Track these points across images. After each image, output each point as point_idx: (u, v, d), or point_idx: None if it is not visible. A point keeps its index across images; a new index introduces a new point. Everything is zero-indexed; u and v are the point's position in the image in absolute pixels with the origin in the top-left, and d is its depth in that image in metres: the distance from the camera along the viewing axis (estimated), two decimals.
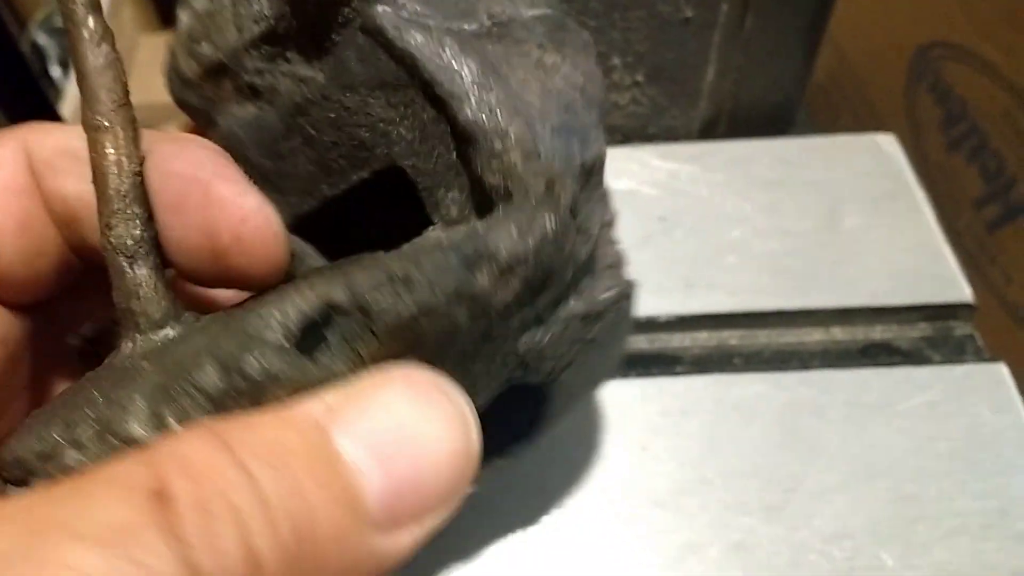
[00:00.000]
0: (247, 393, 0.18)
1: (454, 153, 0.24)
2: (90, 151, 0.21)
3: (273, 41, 0.26)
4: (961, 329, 0.38)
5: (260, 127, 0.27)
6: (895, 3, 0.84)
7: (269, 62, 0.26)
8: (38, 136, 0.21)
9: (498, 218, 0.22)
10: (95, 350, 0.24)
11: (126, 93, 0.21)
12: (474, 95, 0.22)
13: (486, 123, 0.22)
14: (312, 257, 0.28)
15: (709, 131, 0.46)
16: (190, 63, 0.26)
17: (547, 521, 0.32)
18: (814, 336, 0.38)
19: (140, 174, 0.21)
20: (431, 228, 0.23)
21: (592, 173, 0.24)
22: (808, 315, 0.38)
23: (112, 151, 0.21)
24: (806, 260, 0.40)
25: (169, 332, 0.21)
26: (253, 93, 0.27)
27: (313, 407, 0.16)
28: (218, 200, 0.21)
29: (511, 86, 0.23)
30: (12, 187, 0.21)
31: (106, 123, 0.21)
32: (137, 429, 0.18)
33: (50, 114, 0.66)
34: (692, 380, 0.36)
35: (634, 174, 0.43)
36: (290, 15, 0.25)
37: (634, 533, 0.32)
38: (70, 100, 1.02)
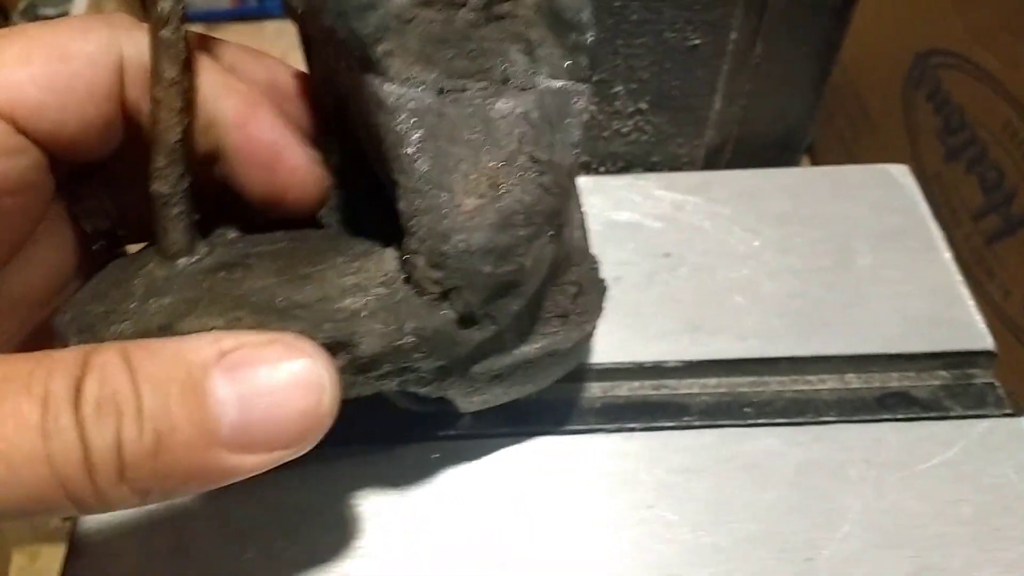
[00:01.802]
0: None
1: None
2: (150, 115, 0.26)
3: None
4: (981, 377, 0.36)
5: None
6: (894, 10, 0.82)
7: None
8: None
9: (383, 305, 0.25)
10: (103, 241, 0.30)
11: (180, 73, 0.25)
12: (412, 193, 0.24)
13: (409, 221, 0.25)
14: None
15: (714, 159, 0.44)
16: None
17: None
18: (828, 384, 0.36)
19: (181, 141, 0.26)
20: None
21: (513, 285, 0.25)
22: (822, 362, 0.36)
23: (161, 122, 0.26)
24: (817, 302, 0.38)
25: (183, 262, 0.27)
26: None
27: (207, 350, 0.21)
28: (283, 161, 0.28)
29: (454, 189, 0.24)
30: (102, 61, 0.25)
31: (159, 96, 0.25)
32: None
33: None
34: (701, 434, 0.34)
35: (637, 205, 0.40)
36: None
37: None
38: None
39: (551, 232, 0.25)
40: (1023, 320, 0.69)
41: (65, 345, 0.26)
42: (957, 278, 0.38)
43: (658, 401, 0.35)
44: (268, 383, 0.21)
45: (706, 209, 0.40)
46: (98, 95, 0.25)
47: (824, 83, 0.40)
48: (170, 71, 0.25)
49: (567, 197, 0.26)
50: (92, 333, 0.26)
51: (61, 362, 0.20)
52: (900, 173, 0.42)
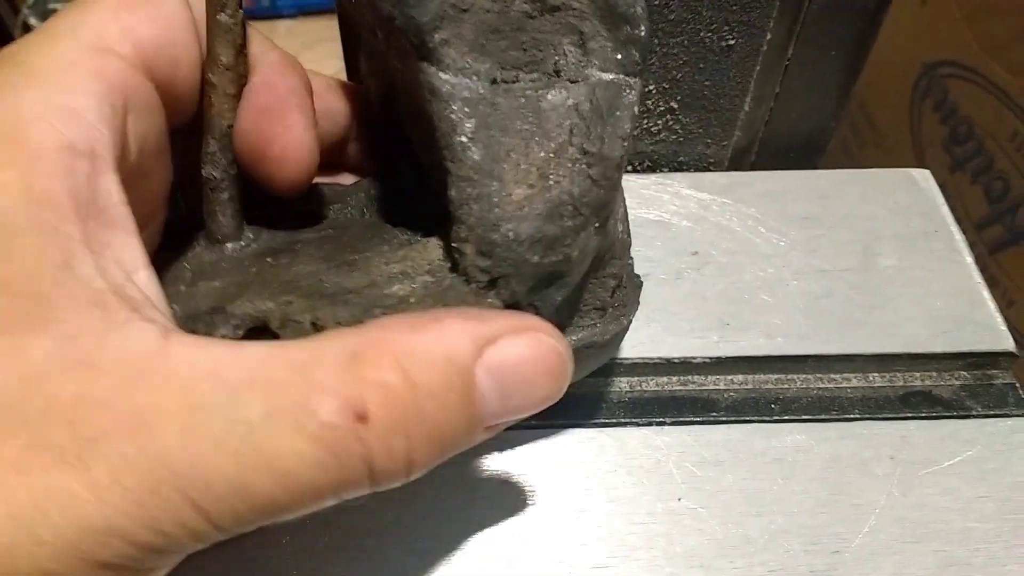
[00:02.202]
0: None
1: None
2: (203, 99, 0.26)
3: None
4: (1003, 378, 0.37)
5: None
6: (902, 20, 0.83)
7: None
8: None
9: (430, 292, 0.25)
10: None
11: (235, 58, 0.26)
12: (463, 182, 0.25)
13: (459, 210, 0.25)
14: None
15: (740, 160, 0.44)
16: None
17: None
18: (852, 382, 0.37)
19: (232, 126, 0.26)
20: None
21: (558, 275, 0.26)
22: (846, 360, 0.37)
23: (214, 106, 0.26)
24: (842, 302, 0.38)
25: (230, 247, 0.28)
26: None
27: (466, 346, 0.21)
28: (287, 123, 0.26)
29: (505, 179, 0.25)
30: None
31: (214, 80, 0.26)
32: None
33: None
34: (729, 429, 0.34)
35: (664, 204, 0.41)
36: None
37: None
38: None
39: (597, 224, 0.26)
40: None
41: None
42: (978, 280, 0.39)
43: (686, 396, 0.36)
44: (523, 372, 0.22)
45: (733, 209, 0.41)
46: (192, 39, 0.25)
47: (852, 86, 0.40)
48: (226, 56, 0.25)
49: (614, 189, 0.26)
50: None
51: (330, 375, 0.20)
52: (922, 177, 0.43)
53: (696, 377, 0.36)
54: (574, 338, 0.29)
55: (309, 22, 1.26)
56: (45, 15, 1.18)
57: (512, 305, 0.26)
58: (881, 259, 0.40)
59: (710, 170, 0.45)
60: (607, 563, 0.31)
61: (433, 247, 0.26)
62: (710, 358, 0.36)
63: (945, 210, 0.42)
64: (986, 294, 0.39)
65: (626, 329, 0.31)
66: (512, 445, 0.34)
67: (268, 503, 0.19)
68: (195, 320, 0.25)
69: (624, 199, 0.30)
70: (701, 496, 0.32)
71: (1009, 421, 0.35)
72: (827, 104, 0.42)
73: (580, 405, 0.35)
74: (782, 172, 0.42)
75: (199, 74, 0.26)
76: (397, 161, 0.31)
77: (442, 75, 0.25)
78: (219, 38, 0.25)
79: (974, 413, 0.36)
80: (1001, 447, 0.34)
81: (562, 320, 0.29)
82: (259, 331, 0.25)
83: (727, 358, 0.36)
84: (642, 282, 0.32)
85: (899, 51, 0.84)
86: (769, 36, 0.38)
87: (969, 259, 0.40)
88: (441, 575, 0.30)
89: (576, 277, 0.27)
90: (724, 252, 0.39)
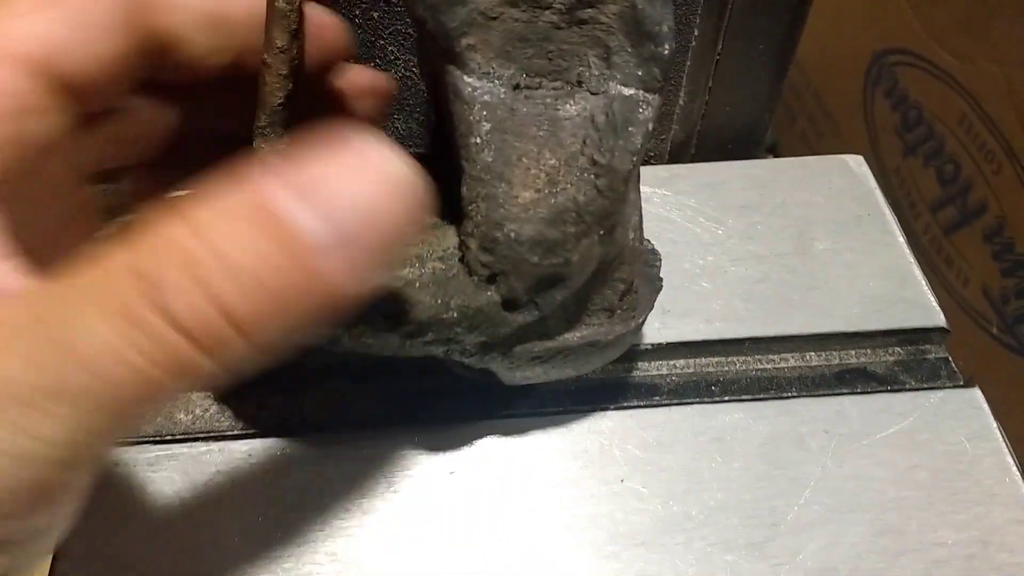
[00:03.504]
0: None
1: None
2: (259, 76, 0.27)
3: None
4: (935, 353, 0.38)
5: None
6: (851, 10, 0.84)
7: None
8: None
9: (436, 279, 0.27)
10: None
11: (290, 42, 0.27)
12: (474, 181, 0.26)
13: (468, 205, 0.26)
14: None
15: (679, 154, 0.46)
16: None
17: (526, 561, 0.31)
18: (790, 362, 0.38)
19: (283, 104, 0.27)
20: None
21: (558, 278, 0.27)
22: (783, 341, 0.38)
23: (267, 84, 0.27)
24: (779, 285, 0.39)
25: None
26: None
27: (260, 181, 0.19)
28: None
29: (513, 182, 0.26)
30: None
31: (269, 61, 0.27)
32: None
33: None
34: (671, 411, 0.35)
35: None
36: None
37: (617, 574, 0.31)
38: None
39: (601, 231, 0.27)
40: (981, 306, 0.72)
41: None
42: (911, 260, 0.40)
43: (629, 383, 0.37)
44: (345, 188, 0.19)
45: (673, 200, 0.42)
46: (115, 28, 0.25)
47: (782, 78, 0.42)
48: (281, 39, 0.27)
49: (621, 201, 0.27)
50: None
51: (121, 267, 0.18)
52: (856, 163, 0.44)
53: (640, 363, 0.37)
54: (578, 335, 0.30)
55: None
56: None
57: (511, 300, 0.27)
58: (816, 243, 0.41)
59: (650, 164, 0.46)
60: (551, 544, 0.32)
61: (452, 234, 0.28)
62: (652, 344, 0.37)
63: (878, 194, 0.43)
64: (918, 273, 0.40)
65: (635, 331, 0.32)
66: (459, 433, 0.35)
67: (89, 402, 0.18)
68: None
69: (641, 208, 0.31)
70: (643, 476, 0.34)
71: (941, 393, 0.36)
72: (760, 96, 0.43)
73: (526, 395, 0.36)
74: (720, 163, 0.43)
75: (122, 66, 0.26)
76: (442, 144, 0.33)
77: (466, 78, 0.26)
78: (276, 23, 0.27)
79: (907, 387, 0.37)
80: (932, 418, 0.35)
81: (568, 317, 0.30)
82: None
83: (668, 344, 0.37)
84: (662, 285, 0.33)
85: (850, 41, 0.86)
86: (697, 32, 0.39)
87: (901, 240, 0.41)
88: (396, 554, 0.31)
89: (578, 281, 0.28)
90: (665, 242, 0.41)
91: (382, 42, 0.37)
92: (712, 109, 0.43)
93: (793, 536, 0.32)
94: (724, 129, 0.45)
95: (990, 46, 0.71)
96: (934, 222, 0.79)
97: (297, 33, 0.27)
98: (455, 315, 0.27)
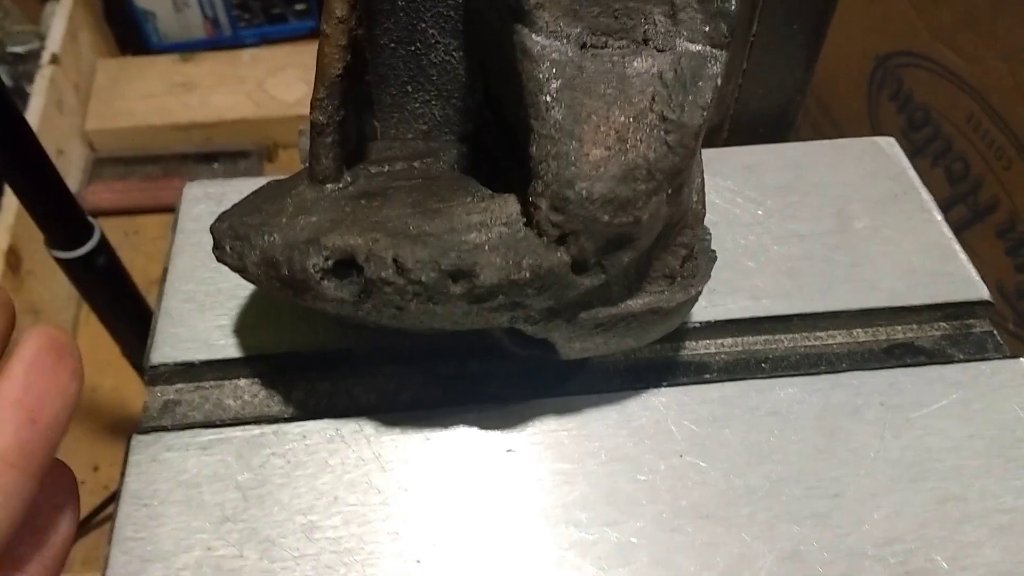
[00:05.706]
0: None
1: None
2: (318, 49, 0.28)
3: None
4: (980, 326, 0.38)
5: None
6: (853, 14, 0.85)
7: None
8: None
9: (505, 242, 0.27)
10: None
11: (349, 12, 0.28)
12: (544, 139, 0.26)
13: (538, 166, 0.26)
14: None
15: (713, 137, 0.46)
16: None
17: (590, 537, 0.31)
18: (837, 339, 0.38)
19: (341, 76, 0.28)
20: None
21: (627, 238, 0.27)
22: (830, 317, 0.38)
23: (326, 55, 0.28)
24: (822, 263, 0.39)
25: (330, 187, 0.30)
26: None
27: None
28: None
29: (584, 139, 0.26)
30: None
31: (328, 31, 0.28)
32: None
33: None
34: (723, 387, 0.35)
35: None
36: None
37: (683, 547, 0.31)
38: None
39: (670, 190, 0.27)
40: (996, 303, 0.72)
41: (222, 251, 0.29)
42: (949, 236, 0.40)
43: (679, 361, 0.37)
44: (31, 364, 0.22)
45: (711, 183, 0.42)
46: None
47: (816, 57, 0.42)
48: (340, 9, 0.27)
49: (690, 157, 0.27)
50: (246, 241, 0.29)
51: None
52: (887, 144, 0.44)
53: (688, 342, 0.37)
54: (640, 302, 0.30)
55: (272, 50, 1.28)
56: (4, 58, 1.19)
57: (580, 262, 0.27)
58: (855, 221, 0.41)
59: None
60: (615, 520, 0.31)
61: (512, 202, 0.28)
62: (700, 322, 0.37)
63: (912, 173, 0.43)
64: (958, 248, 0.40)
65: (694, 299, 0.32)
66: (513, 412, 0.34)
67: None
68: (291, 248, 0.28)
69: (703, 171, 0.31)
70: (701, 451, 0.33)
71: (991, 364, 0.36)
72: (793, 77, 0.44)
73: (577, 375, 0.36)
74: (755, 146, 0.44)
75: None
76: (487, 125, 0.34)
77: (534, 36, 0.26)
78: None
79: (956, 359, 0.37)
80: (984, 388, 0.35)
81: (630, 284, 0.30)
82: (347, 264, 0.27)
83: (716, 322, 0.37)
84: (716, 256, 0.33)
85: (852, 47, 0.86)
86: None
87: (939, 217, 0.41)
88: (456, 532, 0.31)
89: (646, 241, 0.28)
90: (706, 223, 0.41)
91: (423, 25, 0.37)
92: (746, 92, 0.44)
93: (857, 506, 0.32)
94: (757, 112, 0.45)
95: (996, 42, 0.71)
96: (945, 222, 0.80)
97: (356, 4, 0.27)
98: (527, 275, 0.26)
